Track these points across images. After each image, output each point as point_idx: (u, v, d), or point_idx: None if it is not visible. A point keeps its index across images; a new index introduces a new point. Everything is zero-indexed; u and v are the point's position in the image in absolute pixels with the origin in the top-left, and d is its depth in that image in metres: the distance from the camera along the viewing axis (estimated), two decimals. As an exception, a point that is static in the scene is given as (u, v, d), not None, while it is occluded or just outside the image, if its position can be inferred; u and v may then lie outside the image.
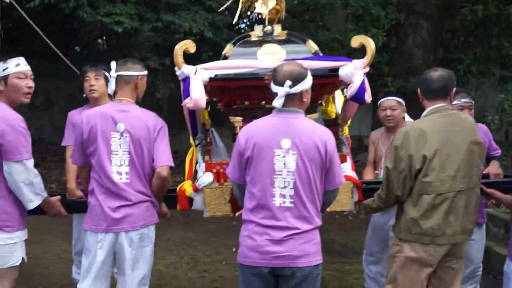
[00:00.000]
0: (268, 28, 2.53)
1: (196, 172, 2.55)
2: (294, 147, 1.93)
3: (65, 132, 2.90)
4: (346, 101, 2.61)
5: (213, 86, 2.33)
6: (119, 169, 2.14)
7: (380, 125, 3.05)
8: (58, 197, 2.37)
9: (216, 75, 2.29)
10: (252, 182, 1.97)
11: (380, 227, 2.79)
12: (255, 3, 2.57)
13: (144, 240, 2.19)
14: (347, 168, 2.46)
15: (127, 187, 2.14)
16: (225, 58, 2.43)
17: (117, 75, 2.19)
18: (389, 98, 2.86)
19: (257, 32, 2.53)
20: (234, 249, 4.41)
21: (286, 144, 1.94)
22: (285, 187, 1.94)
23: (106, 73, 2.82)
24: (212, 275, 3.84)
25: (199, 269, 3.80)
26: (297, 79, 1.92)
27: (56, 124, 7.35)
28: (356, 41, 2.37)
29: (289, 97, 1.92)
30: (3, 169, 2.09)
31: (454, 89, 2.25)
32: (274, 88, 1.95)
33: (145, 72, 2.29)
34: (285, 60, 2.31)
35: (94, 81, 2.84)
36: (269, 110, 2.30)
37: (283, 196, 1.92)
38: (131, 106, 2.20)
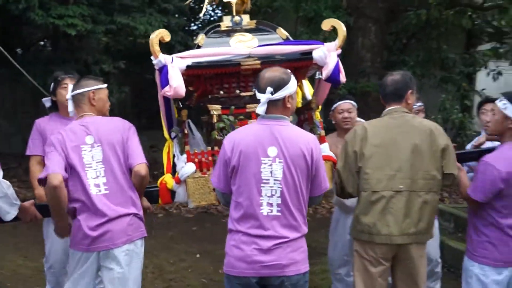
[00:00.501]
0: (237, 18, 2.59)
1: (174, 165, 2.56)
2: (281, 155, 1.93)
3: (29, 141, 2.85)
4: (318, 85, 2.68)
5: (190, 74, 2.36)
6: (95, 181, 2.11)
7: (331, 128, 3.15)
8: (32, 201, 2.32)
9: (192, 63, 2.31)
10: (239, 192, 1.95)
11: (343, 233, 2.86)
12: None
13: (131, 257, 2.11)
14: (326, 149, 2.51)
15: (106, 200, 2.09)
16: (198, 47, 2.46)
17: (72, 96, 2.19)
18: (345, 101, 2.98)
19: (226, 22, 2.59)
20: (198, 255, 4.57)
21: (272, 152, 1.94)
22: (272, 195, 1.93)
23: None
24: (179, 283, 3.83)
25: (165, 278, 3.81)
26: (278, 85, 1.93)
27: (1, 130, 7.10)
28: (327, 24, 2.47)
29: (272, 104, 1.92)
30: None
31: (411, 91, 2.28)
32: (258, 95, 1.96)
33: (100, 86, 2.28)
34: (258, 46, 2.38)
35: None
36: (243, 98, 2.45)
37: (270, 204, 1.92)
38: (94, 117, 2.19)
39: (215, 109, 2.48)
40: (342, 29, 2.41)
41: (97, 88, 2.25)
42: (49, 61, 6.22)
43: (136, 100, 7.96)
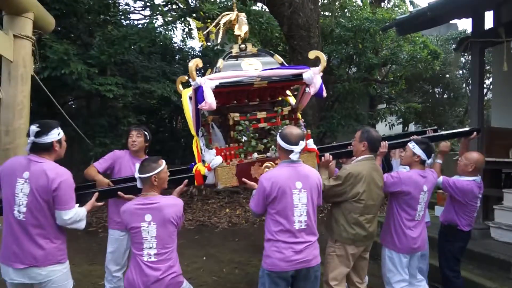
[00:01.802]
0: (243, 46, 2.96)
1: (203, 155, 2.89)
2: (305, 187, 2.43)
3: (102, 158, 3.44)
4: (302, 96, 3.09)
5: (217, 91, 2.60)
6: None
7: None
8: (95, 195, 2.67)
9: (220, 83, 2.61)
10: (278, 213, 2.39)
11: None
12: (234, 27, 3.08)
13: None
14: (311, 143, 3.02)
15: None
16: (219, 70, 2.73)
17: (138, 177, 2.49)
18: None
19: (235, 49, 2.93)
20: (204, 258, 5.23)
21: (299, 185, 2.43)
22: (301, 215, 2.42)
23: (146, 132, 3.46)
24: (197, 281, 4.35)
25: (185, 277, 3.48)
26: (302, 138, 2.51)
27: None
28: (313, 54, 2.91)
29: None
30: (56, 216, 2.34)
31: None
32: (289, 147, 2.45)
33: (160, 169, 2.49)
34: (264, 70, 2.74)
35: (135, 138, 3.40)
36: (250, 106, 2.89)
37: (300, 221, 2.41)
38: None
39: (235, 116, 2.82)
40: (323, 59, 2.91)
41: (159, 172, 2.48)
42: (88, 115, 7.51)
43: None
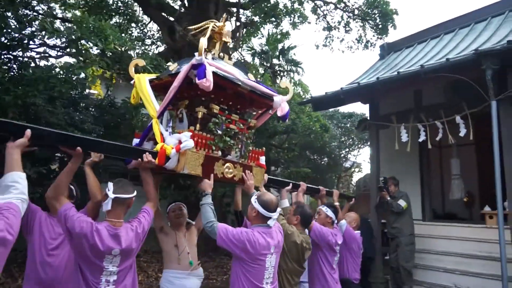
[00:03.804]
0: (221, 54, 3.23)
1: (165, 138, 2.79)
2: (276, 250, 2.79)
3: None
4: (263, 116, 3.45)
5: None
6: None
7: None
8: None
9: (214, 72, 2.74)
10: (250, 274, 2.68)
11: None
12: (223, 37, 3.22)
13: None
14: (263, 160, 3.40)
15: None
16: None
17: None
18: None
19: (209, 56, 3.02)
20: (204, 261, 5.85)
21: (272, 249, 2.75)
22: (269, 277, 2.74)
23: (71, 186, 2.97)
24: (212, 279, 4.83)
25: None
26: (277, 206, 2.80)
27: None
28: (283, 84, 3.55)
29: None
30: None
31: None
32: (268, 214, 2.72)
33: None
34: (247, 79, 3.07)
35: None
36: (227, 105, 3.08)
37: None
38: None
39: (215, 108, 2.98)
40: (291, 88, 3.48)
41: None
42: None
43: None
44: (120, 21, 10.36)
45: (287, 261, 3.28)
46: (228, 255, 8.41)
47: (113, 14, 9.98)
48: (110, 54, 6.77)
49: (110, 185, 2.29)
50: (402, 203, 6.08)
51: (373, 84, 5.98)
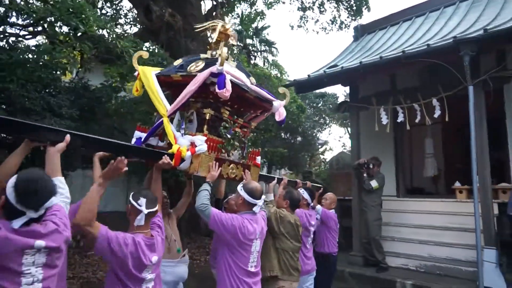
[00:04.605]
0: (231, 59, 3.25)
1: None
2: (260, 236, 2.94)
3: None
4: (257, 116, 3.54)
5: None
6: None
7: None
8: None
9: (231, 80, 2.79)
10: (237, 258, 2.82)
11: None
12: (229, 39, 3.20)
13: None
14: (259, 159, 3.48)
15: None
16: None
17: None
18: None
19: (223, 54, 2.91)
20: None
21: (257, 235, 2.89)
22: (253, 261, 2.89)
23: None
24: None
25: None
26: (262, 194, 2.94)
27: None
28: (281, 90, 3.61)
29: None
30: None
31: None
32: (253, 201, 2.88)
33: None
34: (254, 85, 3.14)
35: None
36: (234, 109, 3.13)
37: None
38: None
39: (225, 112, 3.04)
40: (288, 94, 3.56)
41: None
42: None
43: None
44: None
45: (286, 242, 3.53)
46: (209, 235, 8.55)
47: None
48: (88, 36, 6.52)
49: (143, 201, 2.36)
50: (373, 183, 6.49)
51: (356, 68, 6.19)
